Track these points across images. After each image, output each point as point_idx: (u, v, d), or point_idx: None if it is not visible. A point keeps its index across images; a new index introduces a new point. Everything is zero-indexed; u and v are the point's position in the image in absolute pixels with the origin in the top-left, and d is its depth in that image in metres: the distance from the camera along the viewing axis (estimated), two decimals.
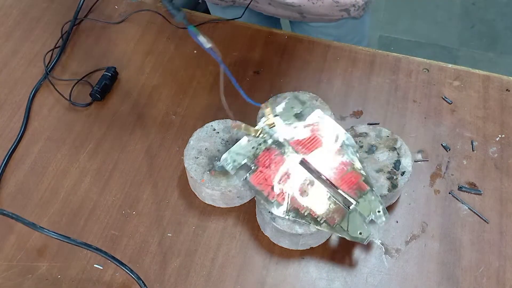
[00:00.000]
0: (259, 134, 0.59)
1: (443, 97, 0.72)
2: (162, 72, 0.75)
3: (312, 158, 0.59)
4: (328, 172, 0.58)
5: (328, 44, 0.78)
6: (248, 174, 0.57)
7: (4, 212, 0.56)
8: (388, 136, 0.63)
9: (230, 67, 0.75)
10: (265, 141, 0.59)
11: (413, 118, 0.70)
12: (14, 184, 0.65)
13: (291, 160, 0.59)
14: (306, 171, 0.59)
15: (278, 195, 0.57)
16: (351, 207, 0.56)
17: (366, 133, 0.64)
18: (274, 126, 0.60)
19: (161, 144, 0.68)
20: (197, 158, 0.62)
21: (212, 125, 0.65)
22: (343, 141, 0.60)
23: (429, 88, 0.73)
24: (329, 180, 0.58)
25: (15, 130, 0.69)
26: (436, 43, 1.80)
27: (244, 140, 0.59)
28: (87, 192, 0.64)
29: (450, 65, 0.75)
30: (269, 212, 0.56)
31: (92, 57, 0.77)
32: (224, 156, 0.58)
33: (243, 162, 0.58)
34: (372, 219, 0.56)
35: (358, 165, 0.58)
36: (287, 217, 0.56)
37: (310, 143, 0.60)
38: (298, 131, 0.60)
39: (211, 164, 0.61)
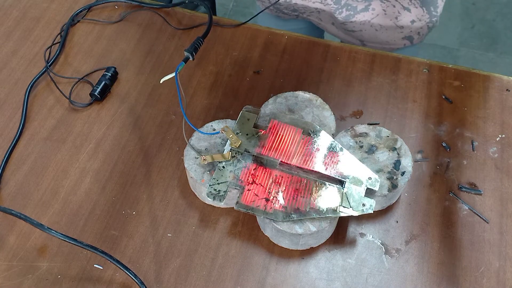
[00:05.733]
0: (230, 157, 0.60)
1: (443, 97, 0.72)
2: (162, 72, 0.75)
3: (289, 157, 0.59)
4: (310, 164, 0.59)
5: (328, 44, 0.78)
6: (238, 198, 0.58)
7: (13, 212, 0.56)
8: (388, 136, 0.63)
9: (230, 67, 0.75)
10: (238, 161, 0.60)
11: (413, 118, 0.70)
12: (14, 184, 0.65)
13: (271, 167, 0.59)
14: (290, 171, 0.59)
15: (274, 204, 0.57)
16: (345, 185, 0.57)
17: (366, 133, 0.64)
18: (241, 144, 0.60)
19: (161, 144, 0.68)
20: (197, 158, 0.62)
21: (212, 125, 0.65)
22: (303, 128, 0.62)
23: (429, 88, 0.73)
24: (314, 170, 0.59)
25: (15, 130, 0.69)
26: (436, 43, 1.80)
27: (218, 169, 0.59)
28: (87, 192, 0.64)
29: (450, 65, 0.75)
30: (272, 220, 0.57)
31: (92, 57, 0.77)
32: (207, 191, 0.58)
33: (227, 189, 0.58)
34: (367, 187, 0.58)
35: (327, 141, 0.60)
36: (291, 219, 0.56)
37: (278, 145, 0.60)
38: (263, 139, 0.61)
39: (211, 164, 0.61)
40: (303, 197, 0.57)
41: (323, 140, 0.61)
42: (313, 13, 0.87)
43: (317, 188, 0.58)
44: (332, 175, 0.59)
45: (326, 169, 0.59)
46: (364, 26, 0.83)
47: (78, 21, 0.81)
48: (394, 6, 0.80)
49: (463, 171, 0.65)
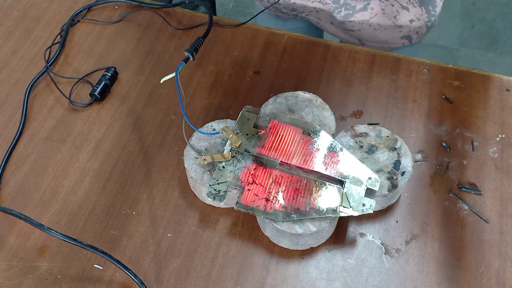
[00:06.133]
0: (230, 157, 0.60)
1: (443, 97, 0.72)
2: (162, 72, 0.75)
3: (289, 157, 0.59)
4: (310, 164, 0.59)
5: (328, 44, 0.78)
6: (238, 198, 0.58)
7: (13, 212, 0.56)
8: (388, 136, 0.63)
9: (230, 67, 0.75)
10: (239, 161, 0.60)
11: (413, 118, 0.70)
12: (14, 184, 0.65)
13: (271, 167, 0.59)
14: (290, 171, 0.59)
15: (274, 204, 0.57)
16: (345, 185, 0.58)
17: (366, 133, 0.64)
18: (241, 144, 0.60)
19: (161, 144, 0.68)
20: (197, 158, 0.62)
21: (212, 125, 0.65)
22: (303, 128, 0.62)
23: (429, 88, 0.73)
24: (314, 170, 0.59)
25: (15, 130, 0.69)
26: (436, 43, 1.80)
27: (218, 169, 0.59)
28: (87, 192, 0.64)
29: (450, 65, 0.75)
30: (272, 220, 0.57)
31: (92, 57, 0.77)
32: (207, 191, 0.58)
33: (227, 189, 0.58)
34: (367, 187, 0.58)
35: (327, 141, 0.60)
36: (291, 219, 0.56)
37: (278, 145, 0.60)
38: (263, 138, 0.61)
39: (211, 164, 0.61)
40: (303, 197, 0.57)
41: (323, 140, 0.61)
42: (311, 12, 0.87)
43: (317, 188, 0.58)
44: (332, 175, 0.58)
45: (326, 169, 0.59)
46: (363, 25, 0.83)
47: (78, 21, 0.81)
48: (393, 6, 0.80)
49: (463, 171, 0.65)
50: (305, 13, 0.88)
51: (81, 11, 0.81)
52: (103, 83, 0.72)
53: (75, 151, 0.67)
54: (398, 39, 0.85)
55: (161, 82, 0.60)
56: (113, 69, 0.73)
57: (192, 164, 0.61)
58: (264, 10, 0.87)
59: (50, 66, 0.75)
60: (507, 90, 0.73)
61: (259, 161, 0.60)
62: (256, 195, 0.58)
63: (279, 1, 0.85)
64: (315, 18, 0.89)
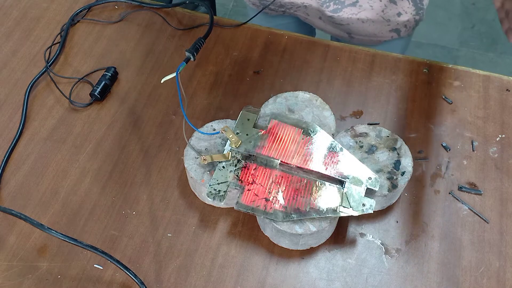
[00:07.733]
0: (230, 157, 0.60)
1: (443, 97, 0.72)
2: (162, 72, 0.75)
3: (289, 157, 0.59)
4: (310, 164, 0.59)
5: (328, 44, 0.78)
6: (238, 198, 0.58)
7: (13, 212, 0.56)
8: (388, 136, 0.63)
9: (230, 67, 0.75)
10: (239, 161, 0.60)
11: (413, 118, 0.70)
12: (14, 184, 0.65)
13: (271, 167, 0.59)
14: (290, 171, 0.59)
15: (274, 204, 0.57)
16: (345, 185, 0.58)
17: (366, 133, 0.64)
18: (240, 144, 0.60)
19: (161, 144, 0.68)
20: (197, 158, 0.62)
21: (212, 125, 0.65)
22: (303, 128, 0.62)
23: (429, 88, 0.73)
24: (314, 171, 0.59)
25: (15, 130, 0.69)
26: (436, 43, 1.80)
27: (218, 169, 0.59)
28: (87, 192, 0.64)
29: (450, 65, 0.75)
30: (272, 220, 0.57)
31: (92, 56, 0.77)
32: (207, 191, 0.58)
33: (227, 189, 0.58)
34: (367, 187, 0.58)
35: (327, 141, 0.60)
36: (291, 219, 0.56)
37: (278, 145, 0.60)
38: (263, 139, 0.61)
39: (211, 164, 0.61)
40: (303, 197, 0.58)
41: (323, 140, 0.61)
42: (300, 8, 0.87)
43: (317, 188, 0.58)
44: (332, 175, 0.59)
45: (326, 169, 0.59)
46: (351, 19, 0.83)
47: (78, 21, 0.81)
48: (381, 1, 0.80)
49: (463, 171, 0.65)
50: (293, 9, 0.89)
51: (81, 11, 0.81)
52: (103, 83, 0.72)
53: (75, 151, 0.67)
54: (386, 32, 0.85)
55: (162, 82, 0.61)
56: (113, 69, 0.73)
57: (192, 164, 0.61)
58: (261, 10, 0.88)
59: (50, 66, 0.75)
60: (507, 90, 0.73)
61: (259, 161, 0.60)
62: (256, 195, 0.58)
63: (273, 1, 0.85)
64: (303, 13, 0.89)
